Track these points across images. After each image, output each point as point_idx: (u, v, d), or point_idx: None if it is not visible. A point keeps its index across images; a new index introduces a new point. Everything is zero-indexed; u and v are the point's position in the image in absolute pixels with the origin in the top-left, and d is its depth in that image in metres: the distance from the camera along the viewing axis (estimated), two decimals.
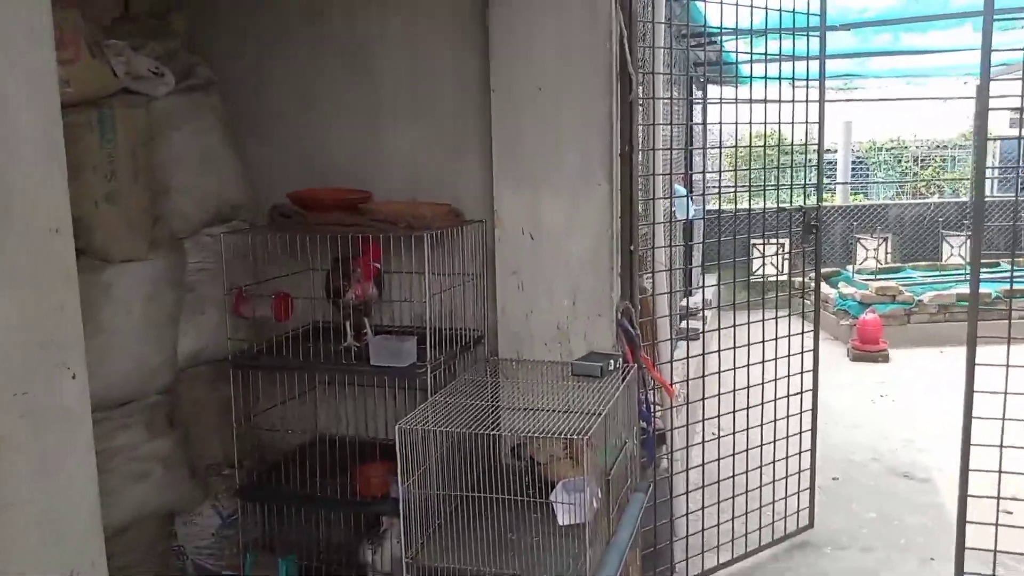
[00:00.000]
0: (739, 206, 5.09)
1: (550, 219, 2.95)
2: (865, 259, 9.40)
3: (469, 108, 3.12)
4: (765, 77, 3.55)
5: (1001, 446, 3.19)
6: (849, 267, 8.93)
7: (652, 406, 3.08)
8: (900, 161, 17.24)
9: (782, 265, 8.39)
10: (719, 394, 3.41)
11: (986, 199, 10.52)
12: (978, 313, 3.21)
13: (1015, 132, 17.39)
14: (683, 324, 5.83)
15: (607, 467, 2.67)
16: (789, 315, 3.62)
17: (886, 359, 7.07)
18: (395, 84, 3.24)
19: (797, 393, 3.67)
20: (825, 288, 8.36)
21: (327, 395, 3.34)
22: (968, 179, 15.38)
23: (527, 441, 2.85)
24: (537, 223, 2.97)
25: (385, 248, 2.95)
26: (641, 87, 3.21)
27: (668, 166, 3.23)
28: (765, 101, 3.46)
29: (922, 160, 17.07)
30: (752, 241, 3.93)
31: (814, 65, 3.67)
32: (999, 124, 17.32)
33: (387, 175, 3.28)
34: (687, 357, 3.34)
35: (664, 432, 3.28)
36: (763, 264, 4.21)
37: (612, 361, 2.79)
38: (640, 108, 3.25)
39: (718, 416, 3.40)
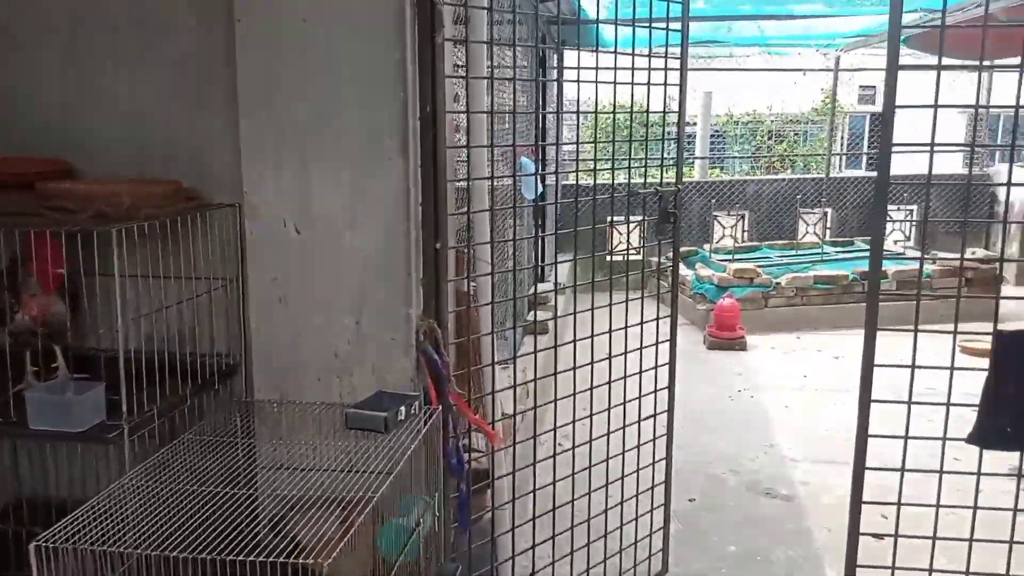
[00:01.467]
0: (595, 181, 4.39)
1: (323, 206, 2.12)
2: (722, 237, 9.08)
3: (217, 47, 2.23)
4: (616, 39, 2.83)
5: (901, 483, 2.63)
6: (706, 246, 8.54)
7: (466, 454, 2.34)
8: (756, 135, 17.34)
9: (637, 246, 7.90)
10: (555, 427, 2.71)
11: (840, 176, 10.46)
12: (878, 299, 2.64)
13: (866, 108, 17.74)
14: (530, 316, 5.16)
15: (393, 556, 1.91)
16: (642, 326, 2.96)
17: (743, 347, 6.68)
18: (113, 9, 2.30)
19: (650, 416, 3.03)
20: (682, 269, 7.92)
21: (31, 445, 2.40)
22: (821, 155, 15.60)
23: (291, 511, 2.05)
24: (305, 212, 2.13)
25: (88, 246, 2.03)
26: (457, 26, 2.42)
27: (491, 134, 2.45)
28: (615, 69, 2.76)
29: (777, 134, 17.24)
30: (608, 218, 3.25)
31: (675, 28, 2.99)
32: (849, 99, 17.71)
33: (104, 141, 2.35)
34: (514, 385, 2.60)
35: (484, 483, 2.55)
36: (612, 250, 3.57)
37: (405, 407, 2.01)
38: (457, 57, 2.46)
39: (554, 456, 2.70)
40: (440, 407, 2.13)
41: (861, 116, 18.57)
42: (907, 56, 9.98)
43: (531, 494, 2.66)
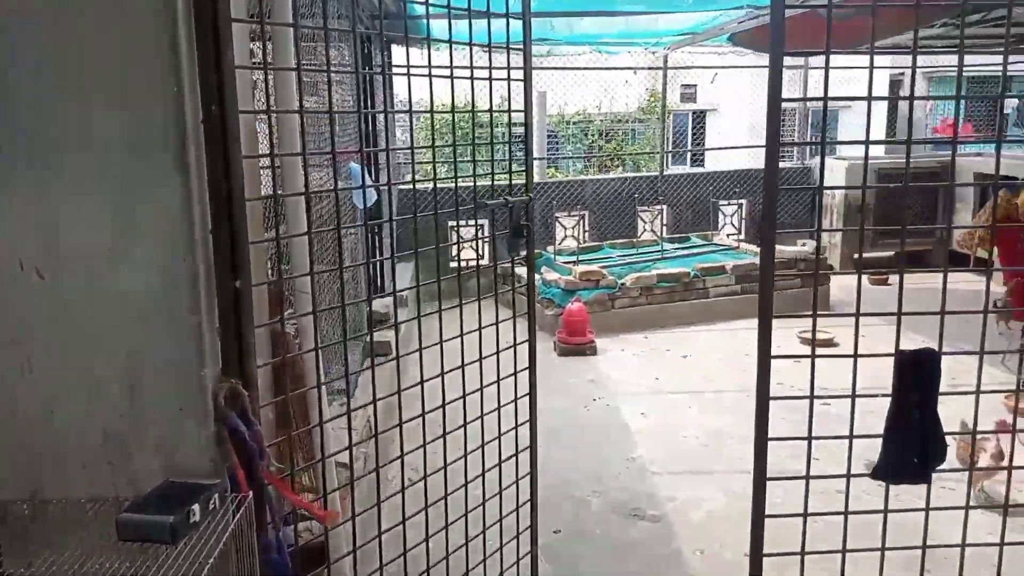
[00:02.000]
0: (435, 186, 3.99)
1: (76, 241, 1.59)
2: (564, 238, 8.93)
3: None
4: (451, 32, 2.44)
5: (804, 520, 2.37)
6: (550, 248, 8.35)
7: (294, 525, 1.87)
8: (587, 135, 17.54)
9: (483, 252, 7.57)
10: (403, 487, 2.28)
11: (672, 173, 10.61)
12: (771, 323, 2.32)
13: (688, 107, 18.37)
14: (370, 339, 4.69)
15: None
16: (498, 357, 2.59)
17: (594, 351, 6.49)
18: None
19: (511, 457, 2.67)
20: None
21: None
22: (649, 152, 15.98)
23: None
24: (51, 249, 1.60)
25: None
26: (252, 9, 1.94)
27: (304, 138, 1.98)
28: (451, 67, 2.38)
29: (607, 133, 17.52)
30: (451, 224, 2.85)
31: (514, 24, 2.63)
32: (673, 97, 18.28)
33: None
34: (350, 446, 2.14)
35: (318, 571, 2.08)
36: (458, 257, 3.20)
37: (200, 503, 1.52)
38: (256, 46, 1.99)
39: (403, 522, 2.28)
40: (251, 493, 1.65)
41: (683, 114, 19.28)
42: (729, 54, 10.26)
43: (378, 571, 2.21)
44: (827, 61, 2.15)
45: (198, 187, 1.61)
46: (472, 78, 2.55)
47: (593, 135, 17.49)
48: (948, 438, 4.01)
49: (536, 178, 9.97)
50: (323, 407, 2.04)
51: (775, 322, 2.20)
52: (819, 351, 2.25)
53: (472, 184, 2.67)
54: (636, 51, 9.68)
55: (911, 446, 2.01)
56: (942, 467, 2.11)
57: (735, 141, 14.96)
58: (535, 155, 10.38)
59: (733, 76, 16.03)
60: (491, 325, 2.58)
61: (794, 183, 9.97)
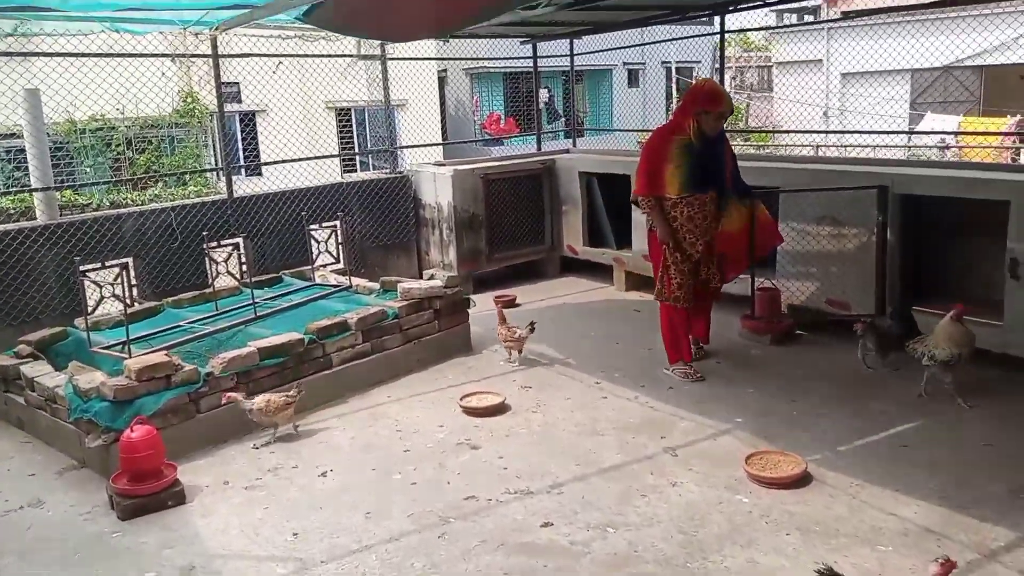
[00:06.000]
0: None
1: None
2: (101, 300, 6.08)
3: None
4: None
5: None
6: (79, 322, 5.51)
7: None
8: (111, 146, 14.01)
9: None
10: None
11: (247, 194, 8.26)
12: None
13: (233, 108, 15.78)
14: None
15: None
16: None
17: (181, 498, 4.02)
18: None
19: None
20: (49, 375, 4.81)
21: None
22: (200, 170, 13.20)
23: None
24: None
25: None
26: None
27: None
28: None
29: (137, 143, 14.21)
30: None
31: None
32: (212, 97, 15.58)
33: None
34: None
35: None
36: None
37: None
38: None
39: None
40: None
41: (229, 116, 16.64)
42: (294, 38, 8.21)
43: None
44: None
45: None
46: None
47: (119, 146, 14.03)
48: None
49: (43, 218, 6.86)
50: None
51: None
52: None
53: None
54: (172, 33, 7.11)
55: None
56: None
57: (291, 147, 12.89)
58: (36, 183, 7.18)
59: (285, 72, 13.99)
60: None
61: (394, 193, 8.35)
